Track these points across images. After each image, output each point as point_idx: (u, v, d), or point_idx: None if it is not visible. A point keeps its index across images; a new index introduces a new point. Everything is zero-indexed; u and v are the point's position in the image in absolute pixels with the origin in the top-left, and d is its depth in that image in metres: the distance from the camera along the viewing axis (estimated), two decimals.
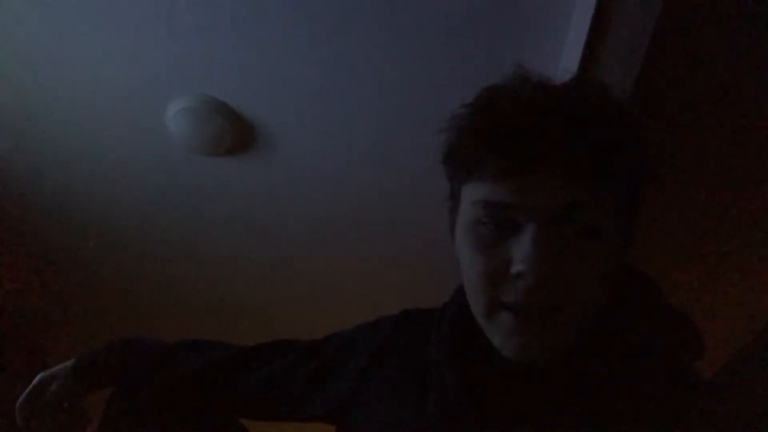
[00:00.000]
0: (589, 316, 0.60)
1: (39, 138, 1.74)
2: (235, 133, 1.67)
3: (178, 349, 0.96)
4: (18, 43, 1.51)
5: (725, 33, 1.11)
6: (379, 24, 1.40)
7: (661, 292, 0.67)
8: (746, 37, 1.11)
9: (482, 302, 0.61)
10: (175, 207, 1.94)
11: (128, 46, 1.50)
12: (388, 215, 1.87)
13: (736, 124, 1.32)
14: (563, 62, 1.34)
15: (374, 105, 1.58)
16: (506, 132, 0.59)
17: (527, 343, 0.59)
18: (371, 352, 0.77)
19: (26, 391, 0.91)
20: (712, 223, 1.56)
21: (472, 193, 0.63)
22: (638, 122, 0.63)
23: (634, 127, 0.61)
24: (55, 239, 2.06)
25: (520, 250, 0.57)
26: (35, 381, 0.92)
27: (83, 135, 1.72)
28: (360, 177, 1.77)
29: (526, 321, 0.59)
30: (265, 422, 0.92)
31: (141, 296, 2.31)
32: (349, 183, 1.79)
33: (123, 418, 0.85)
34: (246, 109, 1.63)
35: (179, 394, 0.90)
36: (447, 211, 0.71)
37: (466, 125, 0.64)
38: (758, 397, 0.62)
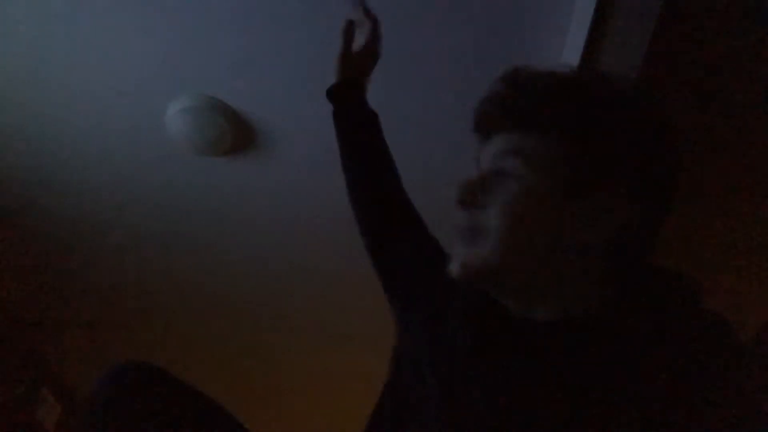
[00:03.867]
0: (524, 263, 0.68)
1: (39, 138, 1.73)
2: (235, 133, 1.67)
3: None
4: (18, 44, 1.51)
5: (729, 24, 1.11)
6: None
7: (700, 296, 0.68)
8: (749, 30, 1.11)
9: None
10: (176, 207, 1.94)
11: (128, 46, 1.50)
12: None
13: (739, 118, 1.32)
14: (565, 57, 1.34)
15: (374, 103, 1.58)
16: (485, 103, 0.73)
17: (458, 261, 0.70)
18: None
19: None
20: (713, 222, 1.56)
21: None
22: (603, 96, 0.69)
23: (586, 97, 0.69)
24: (55, 239, 2.06)
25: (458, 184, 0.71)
26: None
27: (83, 135, 1.72)
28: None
29: (457, 239, 0.71)
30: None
31: (141, 296, 2.31)
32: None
33: (106, 413, 0.84)
34: (246, 109, 1.63)
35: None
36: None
37: (474, 111, 0.76)
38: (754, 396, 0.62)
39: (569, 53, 1.30)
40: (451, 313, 0.78)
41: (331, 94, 1.11)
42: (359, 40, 1.10)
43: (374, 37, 1.10)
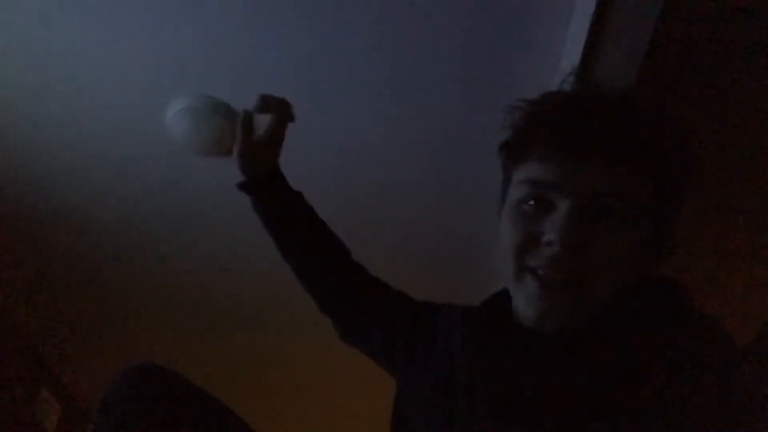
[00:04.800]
0: (608, 301, 0.66)
1: (38, 138, 1.73)
2: (235, 133, 1.67)
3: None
4: (18, 44, 1.51)
5: (730, 21, 1.11)
6: (379, 24, 1.40)
7: (690, 299, 0.69)
8: (751, 25, 1.11)
9: (512, 266, 0.68)
10: (175, 207, 1.94)
11: (128, 46, 1.50)
12: (389, 215, 1.86)
13: (740, 118, 1.31)
14: (564, 59, 1.34)
15: (375, 104, 1.58)
16: (555, 118, 0.67)
17: (547, 310, 0.65)
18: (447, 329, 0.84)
19: None
20: (713, 221, 1.56)
21: (520, 174, 0.71)
22: (681, 131, 0.69)
23: (678, 134, 0.68)
24: (55, 239, 2.06)
25: (553, 223, 0.65)
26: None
27: (83, 135, 1.72)
28: (360, 177, 1.77)
29: (549, 288, 0.65)
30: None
31: (140, 296, 2.31)
32: (349, 183, 1.79)
33: (122, 415, 0.84)
34: (246, 109, 1.62)
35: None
36: (499, 196, 0.79)
37: (522, 114, 0.72)
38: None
39: (568, 55, 1.30)
40: (448, 335, 0.78)
41: (245, 188, 1.06)
42: (262, 126, 1.04)
43: (281, 123, 1.04)
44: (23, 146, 1.76)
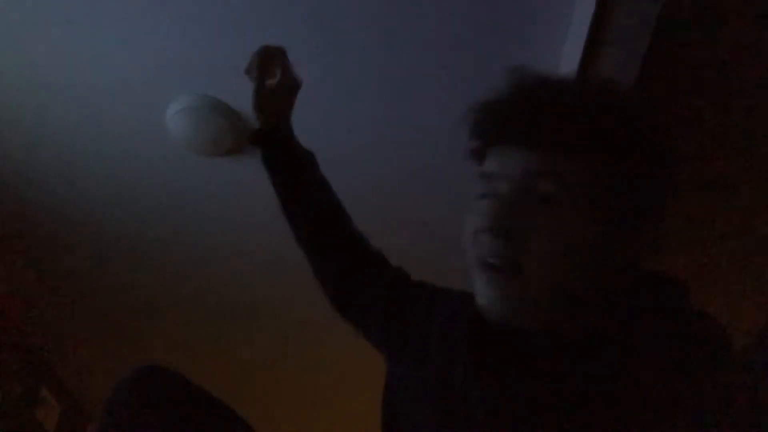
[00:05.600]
0: (561, 290, 0.65)
1: (39, 138, 1.73)
2: (235, 133, 1.67)
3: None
4: (18, 44, 1.51)
5: (728, 29, 1.11)
6: (379, 24, 1.40)
7: (687, 296, 0.68)
8: (752, 28, 1.11)
9: (468, 261, 0.69)
10: (175, 207, 1.93)
11: (128, 46, 1.50)
12: (390, 214, 1.86)
13: (741, 120, 1.32)
14: (564, 59, 1.34)
15: (375, 104, 1.58)
16: (497, 111, 0.69)
17: (492, 298, 0.65)
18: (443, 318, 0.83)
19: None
20: (714, 222, 1.56)
21: (479, 171, 0.72)
22: (632, 113, 0.67)
23: (633, 119, 0.66)
24: (55, 239, 2.06)
25: (489, 209, 0.65)
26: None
27: (83, 135, 1.72)
28: (360, 176, 1.77)
29: (490, 275, 0.65)
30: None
31: (140, 295, 2.30)
32: (349, 182, 1.79)
33: (128, 418, 0.84)
34: (246, 109, 1.62)
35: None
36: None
37: (473, 116, 0.72)
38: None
39: (568, 55, 1.30)
40: (442, 337, 0.76)
41: (256, 140, 1.02)
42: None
43: (286, 66, 1.02)
44: (24, 146, 1.76)
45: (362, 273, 0.95)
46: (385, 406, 0.83)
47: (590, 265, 0.65)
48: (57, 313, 2.37)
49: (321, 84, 1.54)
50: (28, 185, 1.87)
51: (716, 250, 1.63)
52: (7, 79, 1.59)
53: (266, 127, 1.01)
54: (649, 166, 0.65)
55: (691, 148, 1.37)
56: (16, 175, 1.84)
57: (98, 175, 1.83)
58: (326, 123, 1.64)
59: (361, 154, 1.71)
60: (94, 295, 2.29)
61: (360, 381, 2.48)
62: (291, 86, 1.03)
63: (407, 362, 0.81)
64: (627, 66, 1.18)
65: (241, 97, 1.65)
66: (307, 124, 1.72)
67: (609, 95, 0.68)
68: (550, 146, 0.64)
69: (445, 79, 1.50)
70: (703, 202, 1.49)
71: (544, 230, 0.63)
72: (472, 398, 0.68)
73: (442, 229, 1.84)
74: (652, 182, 0.66)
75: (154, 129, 1.68)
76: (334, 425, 2.94)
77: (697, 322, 0.65)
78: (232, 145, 1.71)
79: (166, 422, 0.84)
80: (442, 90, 1.52)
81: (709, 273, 1.68)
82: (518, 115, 0.66)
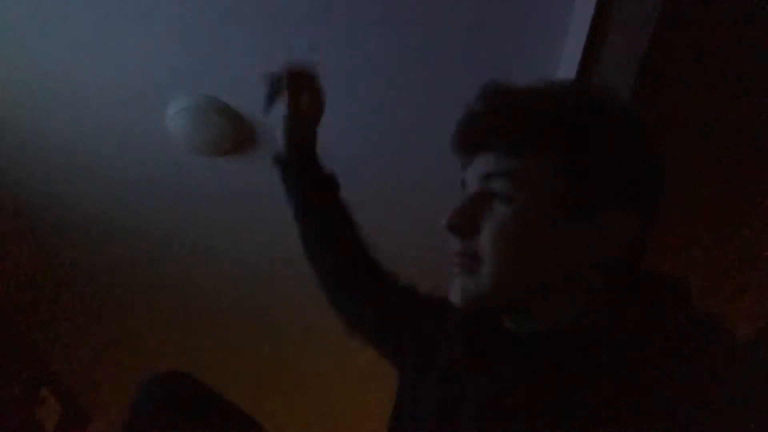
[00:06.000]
0: (520, 281, 0.67)
1: (39, 138, 1.74)
2: (235, 133, 1.67)
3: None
4: (18, 44, 1.51)
5: (726, 33, 1.11)
6: (380, 24, 1.40)
7: (689, 296, 0.68)
8: (750, 29, 1.11)
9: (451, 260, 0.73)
10: (175, 207, 1.94)
11: (128, 46, 1.50)
12: (390, 214, 1.87)
13: (740, 122, 1.32)
14: (564, 59, 1.34)
15: (375, 104, 1.58)
16: (465, 121, 0.73)
17: (458, 289, 0.69)
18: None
19: None
20: (714, 223, 1.56)
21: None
22: (572, 108, 0.69)
23: (592, 117, 0.68)
24: (55, 238, 2.06)
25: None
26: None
27: (83, 135, 1.72)
28: (360, 176, 1.77)
29: (456, 268, 0.70)
30: None
31: (140, 295, 2.31)
32: (349, 182, 1.79)
33: (150, 423, 0.86)
34: (246, 109, 1.63)
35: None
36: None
37: (455, 127, 0.76)
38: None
39: (566, 63, 1.30)
40: (443, 337, 0.78)
41: (281, 159, 1.01)
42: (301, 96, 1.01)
43: (318, 89, 1.02)
44: (24, 146, 1.76)
45: (376, 298, 0.97)
46: (396, 409, 0.84)
47: (561, 261, 0.66)
48: (57, 313, 2.37)
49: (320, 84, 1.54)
50: (28, 185, 1.87)
51: (716, 253, 1.63)
52: (7, 79, 1.59)
53: (291, 151, 1.01)
54: (591, 158, 0.66)
55: (691, 148, 1.37)
56: (16, 175, 1.84)
57: (98, 175, 1.83)
58: (325, 124, 1.63)
59: (360, 154, 1.71)
60: (94, 295, 2.29)
61: (360, 381, 2.48)
62: (319, 110, 1.03)
63: (416, 369, 0.83)
64: (627, 66, 1.19)
65: (241, 97, 1.66)
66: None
67: (558, 95, 0.70)
68: (502, 148, 0.68)
69: (444, 80, 1.50)
70: (704, 201, 1.50)
71: (495, 225, 0.67)
72: (467, 393, 0.69)
73: (441, 229, 1.85)
74: (600, 175, 0.66)
75: (154, 129, 1.68)
76: (335, 425, 2.94)
77: (700, 322, 0.65)
78: (232, 145, 1.71)
79: (187, 427, 0.85)
80: (441, 90, 1.52)
81: (710, 272, 1.68)
82: (477, 124, 0.71)
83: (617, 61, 1.19)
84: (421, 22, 1.39)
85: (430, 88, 1.52)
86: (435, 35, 1.42)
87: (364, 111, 1.59)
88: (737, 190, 1.46)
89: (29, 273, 2.19)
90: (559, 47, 1.36)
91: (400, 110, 1.58)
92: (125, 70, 1.55)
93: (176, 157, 1.76)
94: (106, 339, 2.49)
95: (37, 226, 2.01)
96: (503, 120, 0.68)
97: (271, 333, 2.45)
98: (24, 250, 2.10)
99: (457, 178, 0.77)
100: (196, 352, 2.55)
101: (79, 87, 1.60)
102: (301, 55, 1.49)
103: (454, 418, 0.69)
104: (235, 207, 1.93)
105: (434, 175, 1.69)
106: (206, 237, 2.04)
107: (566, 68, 1.31)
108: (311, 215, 1.02)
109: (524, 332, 0.69)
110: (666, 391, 0.59)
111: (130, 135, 1.71)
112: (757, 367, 0.61)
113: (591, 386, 0.62)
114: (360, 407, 2.74)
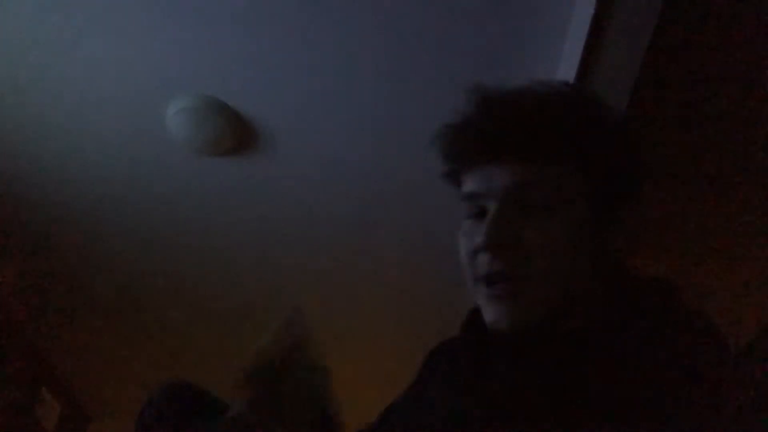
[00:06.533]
0: (565, 292, 0.66)
1: (39, 139, 1.73)
2: (235, 133, 1.67)
3: None
4: (18, 44, 1.51)
5: (724, 39, 1.11)
6: (379, 25, 1.40)
7: (677, 296, 0.69)
8: (750, 29, 1.11)
9: (468, 281, 0.70)
10: (176, 207, 1.94)
11: (128, 46, 1.50)
12: (390, 215, 1.87)
13: (740, 120, 1.32)
14: (564, 59, 1.34)
15: (375, 105, 1.58)
16: (468, 131, 0.70)
17: (500, 311, 0.66)
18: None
19: None
20: (713, 223, 1.56)
21: (461, 193, 0.72)
22: (608, 122, 0.69)
23: (598, 118, 0.69)
24: (55, 239, 2.06)
25: (482, 228, 0.66)
26: None
27: (83, 135, 1.72)
28: (360, 176, 1.77)
29: (494, 290, 0.66)
30: None
31: (141, 296, 2.31)
32: (350, 183, 1.79)
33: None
34: (246, 109, 1.63)
35: None
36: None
37: (443, 139, 0.73)
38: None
39: (566, 63, 1.30)
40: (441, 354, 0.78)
41: None
42: None
43: None
44: (24, 146, 1.76)
45: None
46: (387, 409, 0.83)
47: (584, 263, 0.67)
48: (57, 313, 2.37)
49: (319, 84, 1.54)
50: (28, 185, 1.87)
51: (716, 250, 1.63)
52: (7, 80, 1.59)
53: None
54: (618, 156, 0.68)
55: (691, 147, 1.37)
56: (16, 175, 1.84)
57: (98, 174, 1.83)
58: (325, 124, 1.64)
59: (361, 154, 1.71)
60: (94, 295, 2.29)
61: (361, 381, 2.48)
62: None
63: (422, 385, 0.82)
64: (627, 66, 1.19)
65: (241, 97, 1.66)
66: (307, 124, 1.73)
67: (566, 98, 0.70)
68: (527, 157, 0.66)
69: (444, 80, 1.50)
70: (705, 200, 1.50)
71: (541, 238, 0.64)
72: (470, 396, 0.69)
73: (441, 230, 1.85)
74: (624, 171, 0.68)
75: (154, 129, 1.68)
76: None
77: (691, 323, 0.65)
78: (232, 145, 1.71)
79: None
80: (441, 90, 1.52)
81: (708, 273, 1.68)
82: (489, 133, 0.68)
83: (617, 61, 1.19)
84: (421, 23, 1.39)
85: (430, 88, 1.52)
86: (435, 35, 1.41)
87: (363, 111, 1.59)
88: (737, 190, 1.46)
89: (29, 273, 2.19)
90: (559, 47, 1.36)
91: (399, 111, 1.58)
92: (125, 70, 1.55)
93: (176, 157, 1.76)
94: (106, 339, 2.49)
95: (37, 226, 2.01)
96: (529, 129, 0.66)
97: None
98: (23, 251, 2.10)
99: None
100: (196, 351, 2.55)
101: (79, 87, 1.60)
102: (301, 54, 1.49)
103: (455, 420, 0.69)
104: (235, 207, 1.93)
105: (434, 175, 1.68)
106: (206, 237, 2.04)
107: (566, 68, 1.31)
108: None
109: (521, 335, 0.68)
110: (656, 391, 0.59)
111: (130, 135, 1.71)
112: (746, 367, 0.61)
113: (586, 388, 0.62)
114: (360, 407, 2.74)
